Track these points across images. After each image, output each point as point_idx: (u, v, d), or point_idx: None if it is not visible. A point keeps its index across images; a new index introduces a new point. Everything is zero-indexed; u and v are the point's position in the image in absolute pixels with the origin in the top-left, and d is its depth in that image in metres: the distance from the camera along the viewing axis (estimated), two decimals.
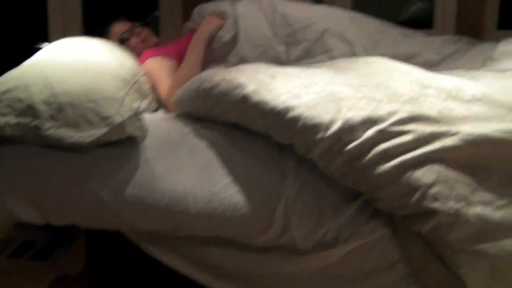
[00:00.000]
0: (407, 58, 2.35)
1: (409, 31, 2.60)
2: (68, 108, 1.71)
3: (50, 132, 1.68)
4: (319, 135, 1.62)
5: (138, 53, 2.48)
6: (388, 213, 1.68)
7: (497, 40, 2.45)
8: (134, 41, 2.59)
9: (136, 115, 1.78)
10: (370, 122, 1.62)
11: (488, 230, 1.59)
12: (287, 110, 1.66)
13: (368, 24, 2.54)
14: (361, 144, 1.60)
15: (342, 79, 1.84)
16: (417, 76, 1.87)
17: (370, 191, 1.64)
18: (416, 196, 1.58)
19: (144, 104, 2.11)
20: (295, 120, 1.65)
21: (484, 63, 2.32)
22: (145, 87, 2.21)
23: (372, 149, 1.60)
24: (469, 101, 1.74)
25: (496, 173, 1.65)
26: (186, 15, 2.65)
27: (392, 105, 1.68)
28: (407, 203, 1.59)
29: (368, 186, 1.63)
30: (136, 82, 2.09)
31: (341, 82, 1.80)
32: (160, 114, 2.16)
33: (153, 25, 3.69)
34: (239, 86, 1.76)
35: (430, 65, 2.35)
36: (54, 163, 1.71)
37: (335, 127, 1.62)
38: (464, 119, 1.67)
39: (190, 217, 1.68)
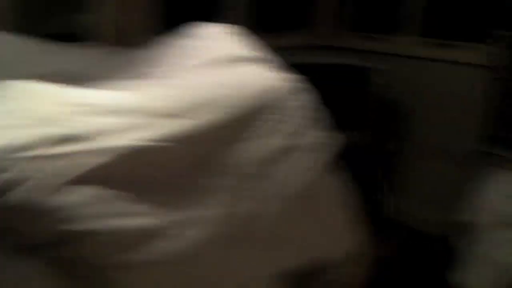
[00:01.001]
0: (54, 75, 2.27)
1: (55, 46, 2.52)
2: None
3: None
4: None
5: None
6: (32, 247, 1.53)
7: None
8: None
9: None
10: (9, 151, 1.50)
11: (128, 240, 1.60)
12: None
13: (12, 43, 2.40)
14: None
15: None
16: (61, 94, 1.82)
17: (7, 223, 1.49)
18: (57, 220, 1.49)
19: None
20: None
21: (130, 69, 2.35)
22: None
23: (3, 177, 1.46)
24: (115, 113, 1.73)
25: (151, 183, 1.68)
26: None
27: (35, 130, 1.58)
28: (47, 228, 1.50)
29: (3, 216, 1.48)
30: None
31: None
32: None
33: None
34: None
35: (77, 79, 2.29)
36: None
37: None
38: (112, 132, 1.66)
39: None
